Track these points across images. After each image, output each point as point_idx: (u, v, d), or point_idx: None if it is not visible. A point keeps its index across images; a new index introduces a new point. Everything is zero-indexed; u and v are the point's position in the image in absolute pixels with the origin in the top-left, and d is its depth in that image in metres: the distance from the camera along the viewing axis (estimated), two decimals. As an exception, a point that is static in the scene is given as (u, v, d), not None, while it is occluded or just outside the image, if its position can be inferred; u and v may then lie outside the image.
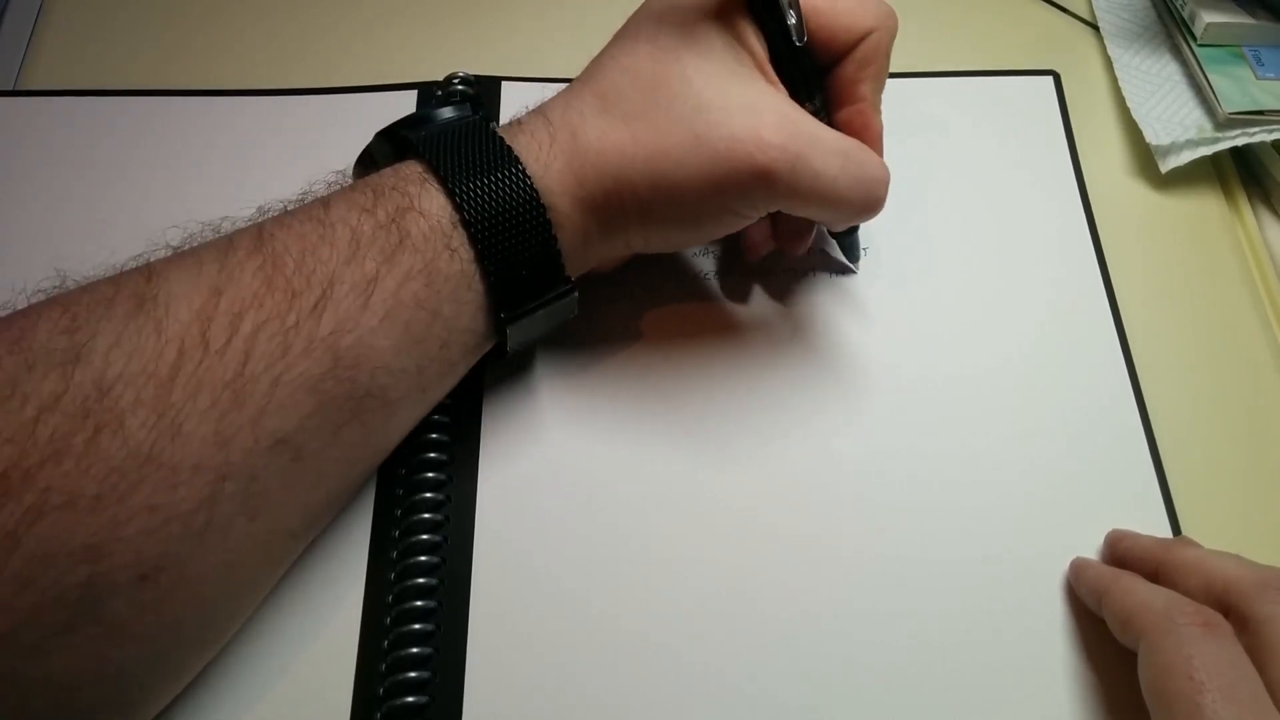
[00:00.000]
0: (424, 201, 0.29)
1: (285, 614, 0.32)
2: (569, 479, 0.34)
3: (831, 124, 0.34)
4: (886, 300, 0.38)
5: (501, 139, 0.30)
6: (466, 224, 0.29)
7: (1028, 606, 0.32)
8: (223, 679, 0.31)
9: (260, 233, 0.28)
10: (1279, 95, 0.41)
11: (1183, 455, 0.35)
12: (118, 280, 0.27)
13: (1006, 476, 0.34)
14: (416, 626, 0.31)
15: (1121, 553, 0.32)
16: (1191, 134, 0.41)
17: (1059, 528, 0.33)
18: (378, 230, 0.28)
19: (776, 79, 0.32)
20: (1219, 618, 0.27)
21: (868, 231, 0.39)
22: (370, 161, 0.33)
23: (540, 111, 0.32)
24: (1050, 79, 0.44)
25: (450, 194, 0.29)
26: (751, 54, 0.31)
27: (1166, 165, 0.41)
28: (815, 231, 0.37)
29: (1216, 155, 0.41)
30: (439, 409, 0.34)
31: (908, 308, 0.38)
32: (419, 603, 0.31)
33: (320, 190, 0.31)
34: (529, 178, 0.29)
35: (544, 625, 0.32)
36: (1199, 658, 0.25)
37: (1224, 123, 0.41)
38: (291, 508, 0.28)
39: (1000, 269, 0.39)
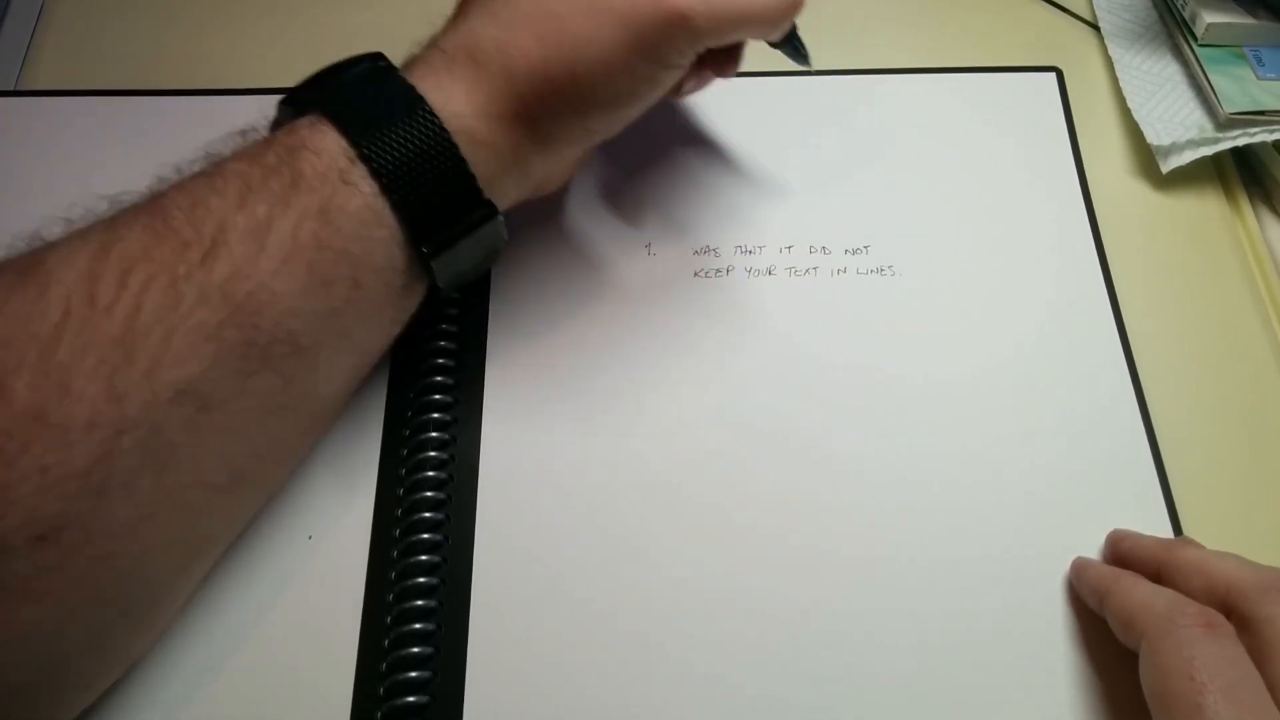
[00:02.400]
0: (316, 140, 0.28)
1: (285, 613, 0.32)
2: (570, 479, 0.34)
3: None
4: (887, 298, 0.38)
5: (395, 72, 0.30)
6: (366, 158, 0.28)
7: (1028, 606, 0.32)
8: (223, 678, 0.31)
9: (153, 194, 0.28)
10: (1279, 95, 0.41)
11: (1184, 455, 0.35)
12: (9, 257, 0.27)
13: (1007, 476, 0.34)
14: (417, 626, 0.31)
15: (1123, 553, 0.32)
16: (1192, 134, 0.41)
17: (1060, 527, 0.33)
18: (268, 174, 0.28)
19: None
20: (1220, 618, 0.27)
21: (869, 226, 0.39)
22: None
23: (433, 43, 0.31)
24: (1053, 76, 0.44)
25: (344, 130, 0.28)
26: None
27: (1167, 165, 0.41)
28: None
29: (1217, 155, 0.41)
30: (439, 407, 0.34)
31: (908, 306, 0.38)
32: (419, 602, 0.31)
33: (218, 149, 0.30)
34: (427, 103, 0.29)
35: (544, 625, 0.32)
36: (1200, 659, 0.25)
37: (1225, 123, 0.41)
38: (207, 460, 0.27)
39: (1001, 267, 0.39)
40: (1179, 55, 0.44)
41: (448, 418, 0.34)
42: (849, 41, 0.45)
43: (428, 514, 0.33)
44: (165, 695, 0.30)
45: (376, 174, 0.28)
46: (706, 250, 0.39)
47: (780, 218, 0.39)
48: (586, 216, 0.39)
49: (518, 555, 0.33)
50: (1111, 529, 0.33)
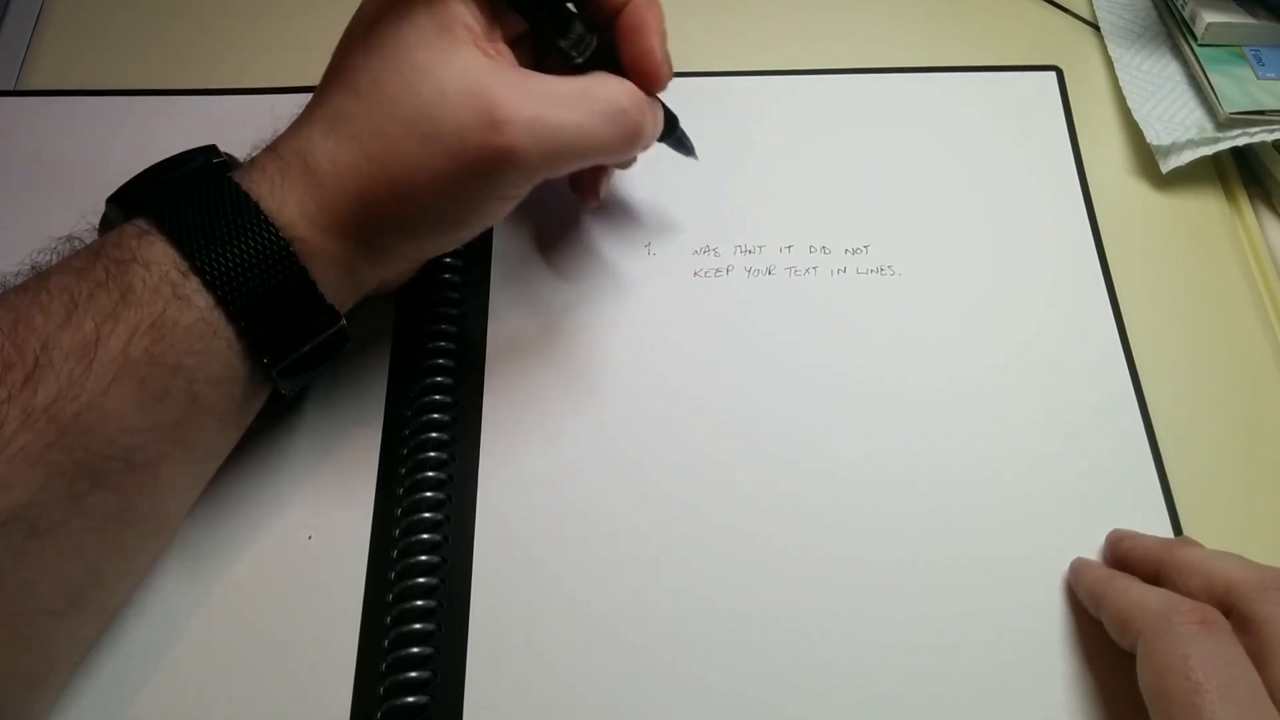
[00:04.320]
0: (145, 252, 0.27)
1: (286, 613, 0.32)
2: (569, 479, 0.34)
3: (607, 46, 0.32)
4: (887, 298, 0.38)
5: (229, 178, 0.29)
6: (199, 270, 0.27)
7: (1028, 607, 0.32)
8: (223, 678, 0.31)
9: None
10: (1279, 95, 0.41)
11: (1183, 455, 0.35)
12: None
13: (1007, 476, 0.34)
14: (417, 626, 0.31)
15: (1123, 553, 0.32)
16: (1192, 134, 0.41)
17: (1059, 528, 0.33)
18: (96, 289, 0.27)
19: (496, 50, 0.30)
20: (1216, 614, 0.27)
21: (869, 226, 0.39)
22: (109, 228, 0.31)
23: (271, 147, 0.31)
24: (1053, 74, 0.44)
25: (175, 241, 0.28)
26: (466, 29, 0.29)
27: (1167, 165, 0.41)
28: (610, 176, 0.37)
29: (1217, 155, 0.41)
30: (439, 408, 0.34)
31: (908, 305, 0.38)
32: (419, 602, 0.31)
33: (45, 259, 0.29)
34: (263, 212, 0.28)
35: (544, 625, 0.32)
36: (1196, 657, 0.25)
37: (1225, 123, 0.41)
38: (42, 586, 0.26)
39: (1001, 267, 0.39)
40: (1179, 55, 0.44)
41: (447, 418, 0.34)
42: (849, 41, 0.45)
43: (428, 514, 0.33)
44: (164, 695, 0.30)
45: (211, 286, 0.28)
46: (706, 250, 0.39)
47: (780, 217, 0.39)
48: (587, 216, 0.39)
49: (517, 556, 0.33)
50: (1111, 529, 0.33)
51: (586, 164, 0.32)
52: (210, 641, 0.31)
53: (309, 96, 0.42)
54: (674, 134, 0.36)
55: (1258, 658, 0.26)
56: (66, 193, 0.39)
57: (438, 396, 0.35)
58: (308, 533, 0.33)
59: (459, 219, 0.31)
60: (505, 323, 0.37)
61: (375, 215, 0.30)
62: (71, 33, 0.45)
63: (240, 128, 0.41)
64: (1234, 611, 0.27)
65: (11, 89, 0.43)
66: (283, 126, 0.31)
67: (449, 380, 0.35)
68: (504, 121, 0.28)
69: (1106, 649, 0.30)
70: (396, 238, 0.31)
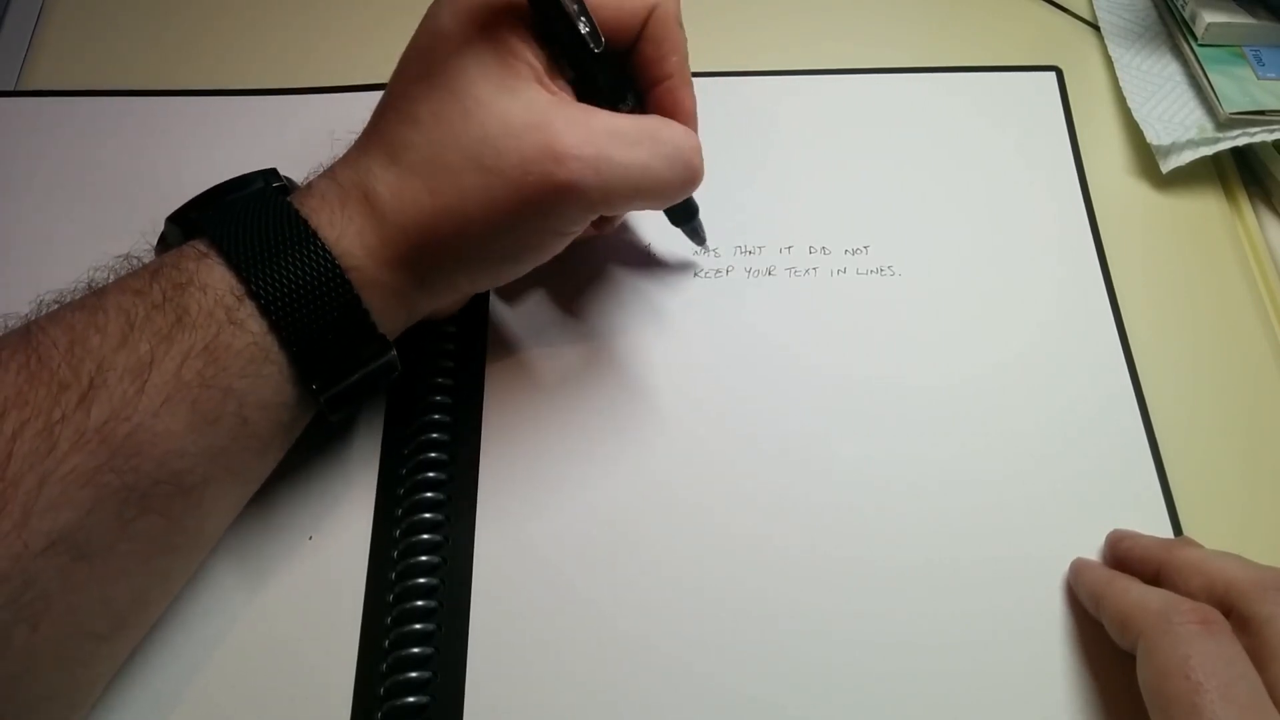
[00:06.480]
0: (203, 275, 0.28)
1: (286, 614, 0.32)
2: (570, 478, 0.34)
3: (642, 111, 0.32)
4: (887, 299, 0.38)
5: (289, 204, 0.29)
6: (254, 295, 0.28)
7: (1028, 607, 0.32)
8: (223, 678, 0.31)
9: (29, 329, 0.27)
10: (1279, 95, 0.41)
11: (1183, 455, 0.35)
12: None
13: (1007, 476, 0.34)
14: (417, 626, 0.31)
15: (1122, 553, 0.32)
16: (1192, 134, 0.41)
17: (1060, 528, 0.33)
18: (152, 311, 0.27)
19: (556, 88, 0.30)
20: (1216, 614, 0.27)
21: (869, 226, 0.39)
22: (167, 247, 0.31)
23: (329, 174, 0.31)
24: (1053, 75, 0.44)
25: (234, 266, 0.28)
26: (529, 66, 0.30)
27: (1167, 165, 0.41)
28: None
29: (1217, 155, 0.41)
30: (439, 408, 0.34)
31: (908, 306, 0.38)
32: (420, 603, 0.31)
33: (102, 277, 0.29)
34: (321, 241, 0.28)
35: (545, 625, 0.32)
36: (1196, 657, 0.25)
37: (1225, 123, 0.41)
38: (86, 609, 0.26)
39: (1001, 267, 0.39)
40: (1179, 55, 0.44)
41: (448, 418, 0.34)
42: (849, 41, 0.45)
43: (428, 514, 0.33)
44: (165, 695, 0.30)
45: (265, 311, 0.28)
46: (707, 250, 0.39)
47: (780, 218, 0.39)
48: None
49: (518, 555, 0.33)
50: (1111, 529, 0.33)
51: (641, 205, 0.32)
52: (211, 642, 0.31)
53: (310, 98, 0.42)
54: (692, 220, 0.36)
55: (1258, 658, 0.26)
56: (67, 193, 0.40)
57: (438, 397, 0.35)
58: (308, 533, 0.33)
59: (515, 253, 0.31)
60: (505, 323, 0.37)
61: (433, 248, 0.29)
62: (71, 33, 0.45)
63: (240, 128, 0.41)
64: (1234, 611, 0.27)
65: (12, 89, 0.43)
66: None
67: (449, 380, 0.35)
68: (567, 156, 0.28)
69: (1106, 649, 0.30)
70: (452, 270, 0.31)
